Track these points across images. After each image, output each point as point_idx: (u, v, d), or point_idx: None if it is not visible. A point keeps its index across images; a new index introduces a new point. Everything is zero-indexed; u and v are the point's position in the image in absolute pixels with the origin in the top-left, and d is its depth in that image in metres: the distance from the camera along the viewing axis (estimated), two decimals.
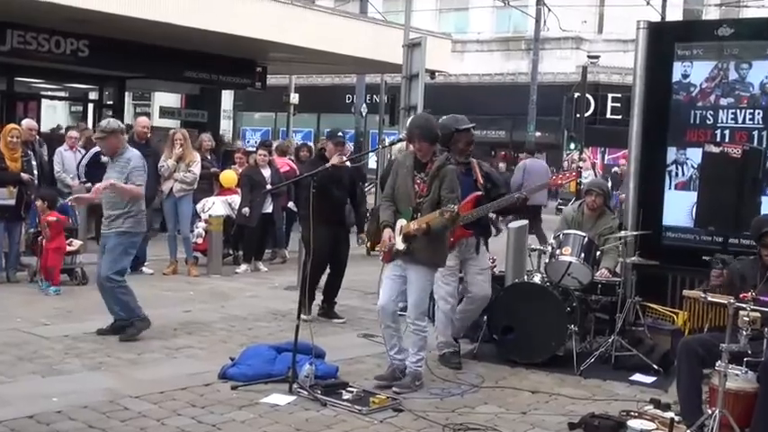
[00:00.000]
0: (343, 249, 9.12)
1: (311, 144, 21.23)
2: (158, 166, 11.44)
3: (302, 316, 6.57)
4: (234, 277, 11.91)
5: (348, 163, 9.21)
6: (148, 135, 11.72)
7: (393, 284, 6.55)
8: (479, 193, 7.29)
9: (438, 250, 6.61)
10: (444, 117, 7.37)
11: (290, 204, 13.38)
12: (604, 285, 7.87)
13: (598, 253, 7.88)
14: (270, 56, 20.41)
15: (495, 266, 10.66)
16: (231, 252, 13.12)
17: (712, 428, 5.16)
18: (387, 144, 6.55)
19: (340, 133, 9.30)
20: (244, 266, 12.42)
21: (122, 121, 10.76)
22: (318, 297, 9.20)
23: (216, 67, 19.93)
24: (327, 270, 9.17)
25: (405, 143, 7.57)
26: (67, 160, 13.31)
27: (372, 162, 24.31)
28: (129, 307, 7.84)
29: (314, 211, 7.08)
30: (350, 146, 18.50)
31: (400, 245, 6.45)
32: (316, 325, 8.67)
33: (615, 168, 29.81)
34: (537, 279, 7.81)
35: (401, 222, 6.50)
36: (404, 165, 6.59)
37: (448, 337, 7.37)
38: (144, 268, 11.60)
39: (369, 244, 6.73)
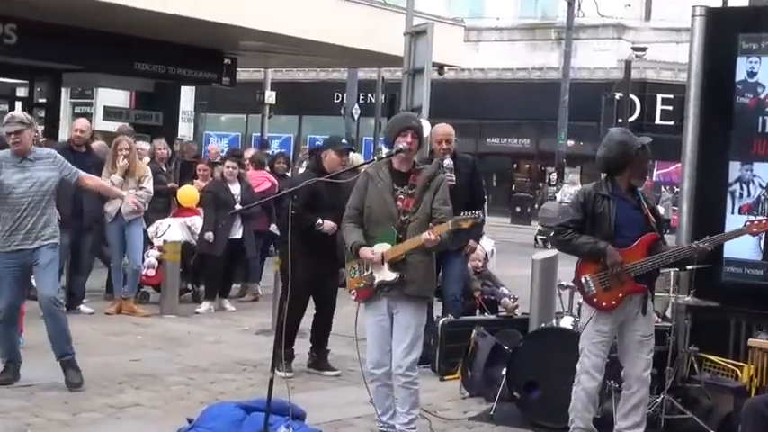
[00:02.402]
0: (330, 284, 9.10)
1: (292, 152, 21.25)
2: None
3: (277, 372, 6.56)
4: (193, 318, 11.90)
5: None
6: (89, 141, 11.75)
7: (382, 332, 6.55)
8: (656, 234, 6.84)
9: (431, 278, 6.68)
10: (615, 129, 7.19)
11: (273, 227, 13.38)
12: (656, 331, 7.86)
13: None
14: (240, 45, 20.51)
15: (516, 306, 10.78)
16: (190, 287, 13.11)
17: None
18: (384, 155, 6.52)
19: (344, 140, 9.36)
20: (206, 305, 12.42)
21: (58, 124, 10.86)
22: (304, 343, 9.18)
23: (173, 58, 20.03)
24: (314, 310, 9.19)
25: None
26: None
27: None
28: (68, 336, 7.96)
29: (298, 238, 7.09)
30: (355, 154, 18.51)
31: (389, 275, 6.46)
32: (298, 378, 8.66)
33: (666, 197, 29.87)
34: (568, 323, 7.80)
35: (381, 248, 6.49)
36: (377, 178, 6.59)
37: (587, 422, 6.88)
38: (82, 306, 11.60)
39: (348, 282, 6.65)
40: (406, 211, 6.49)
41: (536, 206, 24.92)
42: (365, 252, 6.46)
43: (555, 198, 26.18)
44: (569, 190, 26.21)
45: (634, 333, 6.81)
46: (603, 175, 6.95)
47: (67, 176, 8.08)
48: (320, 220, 8.68)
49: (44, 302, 7.92)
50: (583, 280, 6.77)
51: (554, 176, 28.42)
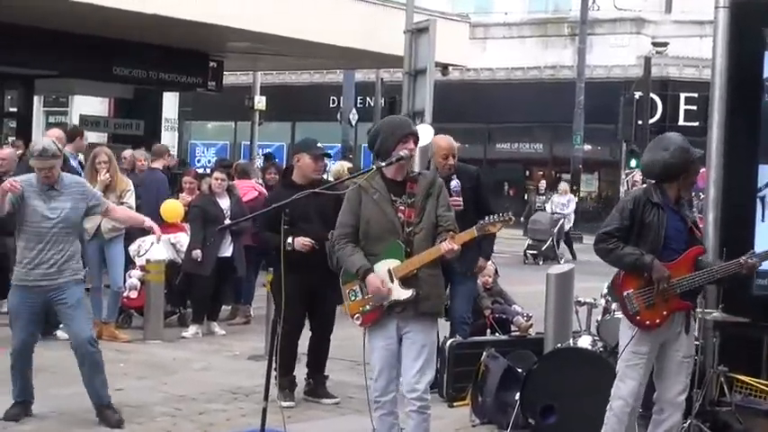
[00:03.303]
0: (326, 301, 9.03)
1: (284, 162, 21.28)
2: None
3: (278, 401, 6.55)
4: (180, 343, 11.90)
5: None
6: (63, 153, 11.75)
7: (391, 358, 6.54)
8: (701, 248, 6.96)
9: (443, 293, 6.73)
10: (674, 134, 7.17)
11: None
12: None
13: None
14: (227, 46, 20.56)
15: (530, 325, 10.78)
16: (176, 309, 13.12)
17: None
18: (384, 163, 6.53)
19: (319, 144, 9.28)
20: (193, 329, 12.42)
21: (31, 134, 10.90)
22: (299, 368, 9.19)
23: (155, 61, 20.08)
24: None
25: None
26: None
27: None
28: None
29: (283, 254, 7.09)
30: (347, 163, 18.51)
31: (403, 293, 6.44)
32: (295, 406, 8.66)
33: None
34: (586, 342, 7.81)
35: (388, 265, 6.48)
36: (371, 190, 6.58)
37: None
38: (59, 332, 11.58)
39: (346, 308, 6.59)
40: (410, 222, 6.48)
41: (521, 218, 24.82)
42: (374, 282, 6.41)
43: (544, 209, 26.05)
44: (560, 200, 26.24)
45: (675, 353, 6.82)
46: (651, 182, 6.98)
47: (94, 207, 8.11)
48: (289, 239, 8.46)
49: (79, 346, 7.91)
50: (625, 296, 6.77)
51: (543, 185, 28.22)
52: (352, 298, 6.60)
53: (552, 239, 24.83)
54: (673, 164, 6.81)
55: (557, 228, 24.92)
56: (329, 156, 9.90)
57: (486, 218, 6.53)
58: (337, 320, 9.37)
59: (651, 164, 6.93)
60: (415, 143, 6.64)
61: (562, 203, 26.07)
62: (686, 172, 6.84)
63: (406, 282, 6.42)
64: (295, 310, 8.70)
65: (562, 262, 23.79)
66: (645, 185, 7.19)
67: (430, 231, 6.48)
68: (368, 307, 6.51)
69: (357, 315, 6.58)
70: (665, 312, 6.69)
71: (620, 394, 6.80)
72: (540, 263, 23.65)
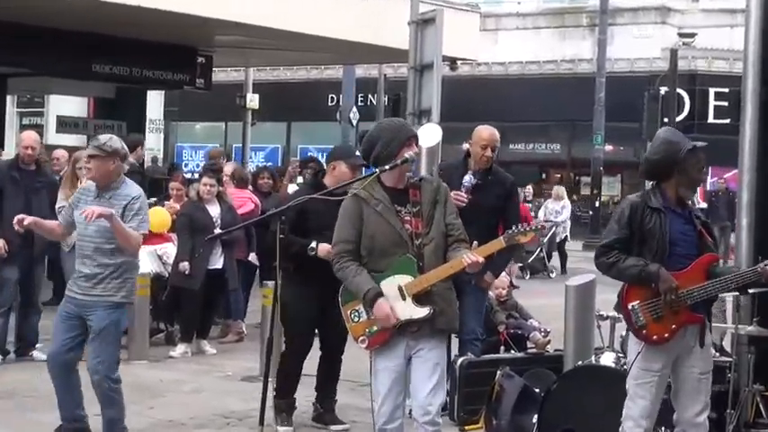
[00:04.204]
0: (337, 319, 8.98)
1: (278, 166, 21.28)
2: (56, 208, 11.41)
3: (278, 426, 6.54)
4: (167, 363, 11.91)
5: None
6: (39, 158, 11.77)
7: (398, 380, 6.53)
8: (715, 255, 6.90)
9: (456, 307, 6.69)
10: (663, 128, 7.22)
11: (252, 257, 13.40)
12: (716, 368, 7.86)
13: None
14: (216, 40, 20.59)
15: (548, 341, 10.77)
16: (163, 327, 13.12)
17: None
18: (387, 166, 6.52)
19: (358, 152, 9.23)
20: (181, 347, 12.43)
21: (3, 138, 10.94)
22: (304, 391, 9.18)
23: (138, 57, 20.09)
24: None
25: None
26: None
27: None
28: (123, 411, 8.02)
29: (293, 267, 7.07)
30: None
31: (418, 311, 6.42)
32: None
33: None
34: (610, 360, 7.80)
35: (397, 281, 6.46)
36: (372, 200, 6.54)
37: None
38: (35, 352, 11.58)
39: (349, 329, 6.59)
40: (418, 233, 6.46)
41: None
42: (384, 309, 6.38)
43: (536, 216, 25.53)
44: (553, 206, 25.43)
45: (690, 370, 6.80)
46: (650, 184, 6.96)
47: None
48: (313, 244, 8.52)
49: (91, 379, 7.90)
50: (630, 309, 6.77)
51: (529, 190, 27.70)
52: (355, 319, 6.58)
53: (542, 250, 24.18)
54: (656, 160, 6.81)
55: (547, 237, 24.01)
56: (367, 166, 9.88)
57: (516, 227, 6.52)
58: None
59: (641, 164, 6.98)
60: (417, 145, 6.67)
61: (556, 210, 25.33)
62: (677, 167, 6.75)
63: (419, 298, 6.41)
64: (304, 329, 8.70)
65: (553, 275, 23.65)
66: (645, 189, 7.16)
67: (440, 242, 6.48)
68: (375, 328, 6.48)
69: (362, 337, 6.54)
70: (673, 326, 6.67)
71: (630, 414, 6.79)
72: (527, 277, 23.16)
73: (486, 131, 9.60)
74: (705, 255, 6.78)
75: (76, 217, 7.85)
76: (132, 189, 8.00)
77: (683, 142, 6.81)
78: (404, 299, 6.41)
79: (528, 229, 6.45)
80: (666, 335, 6.68)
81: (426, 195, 6.54)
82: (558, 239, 24.84)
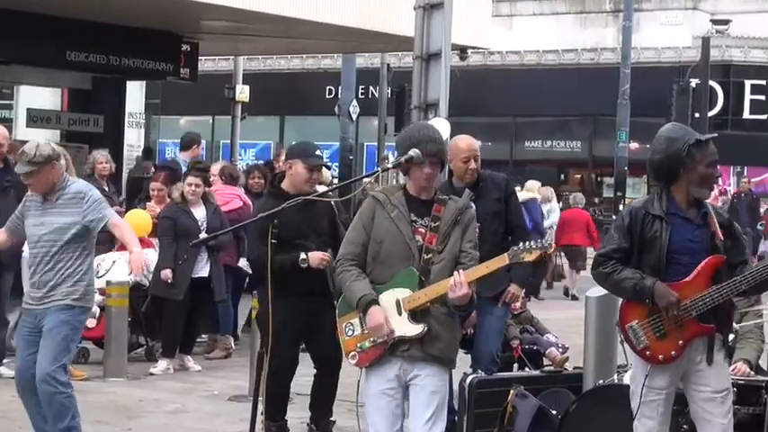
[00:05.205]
0: (327, 334, 8.99)
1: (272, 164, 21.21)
2: None
3: None
4: (147, 381, 11.92)
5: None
6: (7, 154, 11.80)
7: (392, 405, 6.55)
8: (719, 257, 6.76)
9: (457, 335, 6.73)
10: (667, 125, 7.20)
11: (242, 262, 13.40)
12: (742, 388, 7.86)
13: (731, 336, 7.90)
14: (203, 26, 20.60)
15: (566, 358, 10.77)
16: (143, 341, 13.13)
17: None
18: (390, 164, 6.50)
19: (318, 151, 9.24)
20: (163, 364, 12.44)
21: None
22: (296, 410, 9.19)
23: (117, 44, 20.11)
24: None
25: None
26: None
27: None
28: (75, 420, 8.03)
29: (275, 275, 7.08)
30: (329, 171, 18.53)
31: (411, 328, 6.45)
32: None
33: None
34: None
35: (396, 294, 6.49)
36: (389, 205, 6.59)
37: None
38: (2, 368, 11.61)
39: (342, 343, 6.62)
40: (429, 248, 6.50)
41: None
42: (377, 316, 6.41)
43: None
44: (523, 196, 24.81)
45: (701, 390, 6.75)
46: (658, 188, 6.94)
47: (92, 223, 8.14)
48: (303, 255, 8.57)
49: (37, 378, 8.00)
50: (628, 328, 6.74)
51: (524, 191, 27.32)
52: (349, 333, 6.61)
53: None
54: (658, 161, 6.78)
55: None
56: (328, 167, 9.88)
57: (522, 244, 6.53)
58: None
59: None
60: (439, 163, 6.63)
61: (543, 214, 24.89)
62: (682, 165, 6.69)
63: (416, 316, 6.44)
64: (287, 344, 8.70)
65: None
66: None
67: (450, 264, 6.50)
68: (367, 344, 6.51)
69: (353, 353, 6.57)
70: (680, 342, 6.63)
71: None
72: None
73: (462, 142, 9.46)
74: (709, 258, 6.69)
75: (27, 227, 8.07)
76: (79, 185, 8.31)
77: (685, 137, 6.73)
78: (399, 314, 6.45)
79: (534, 247, 6.48)
80: (674, 352, 6.66)
81: (449, 213, 6.57)
82: None
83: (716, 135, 6.96)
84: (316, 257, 8.67)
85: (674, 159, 6.69)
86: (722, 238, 6.72)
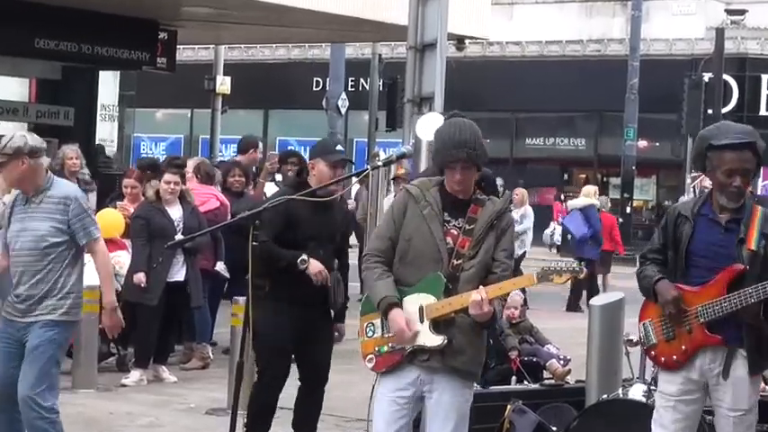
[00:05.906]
0: (322, 345, 9.06)
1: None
2: None
3: None
4: (119, 393, 11.92)
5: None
6: None
7: (397, 413, 6.54)
8: (740, 266, 6.74)
9: (483, 348, 6.72)
10: (714, 125, 7.12)
11: (220, 266, 13.39)
12: (759, 404, 7.86)
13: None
14: (182, 12, 20.61)
15: (568, 371, 10.77)
16: (114, 350, 13.11)
17: None
18: (380, 162, 6.48)
19: (339, 146, 9.25)
20: (136, 374, 12.43)
21: None
22: (279, 425, 9.19)
23: (89, 31, 20.11)
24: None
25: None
26: None
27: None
28: None
29: (271, 281, 7.07)
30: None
31: (432, 338, 6.44)
32: None
33: None
34: (639, 393, 7.81)
35: (421, 300, 6.49)
36: (422, 201, 6.58)
37: None
38: None
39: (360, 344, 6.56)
40: (460, 252, 6.49)
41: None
42: (398, 320, 6.42)
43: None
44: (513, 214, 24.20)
45: (718, 404, 6.82)
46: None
47: (73, 234, 8.00)
48: (304, 256, 8.53)
49: (19, 399, 7.92)
50: (642, 326, 6.90)
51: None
52: (369, 334, 6.64)
53: None
54: (692, 158, 7.05)
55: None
56: (352, 162, 9.86)
57: (554, 264, 6.52)
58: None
59: None
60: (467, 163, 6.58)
61: (515, 219, 23.99)
62: (705, 170, 6.82)
63: (438, 326, 6.44)
64: (279, 356, 8.71)
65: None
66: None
67: (481, 273, 6.50)
68: (386, 348, 6.53)
69: (371, 356, 6.60)
70: (684, 347, 6.70)
71: None
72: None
73: None
74: (729, 267, 6.73)
75: (10, 232, 7.97)
76: (66, 188, 8.18)
77: (714, 137, 6.76)
78: (421, 321, 6.45)
79: (565, 269, 6.45)
80: (675, 357, 6.73)
81: (485, 215, 6.55)
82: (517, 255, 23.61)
83: (746, 140, 6.82)
84: (316, 266, 8.58)
85: (698, 161, 6.85)
86: (753, 247, 6.71)
